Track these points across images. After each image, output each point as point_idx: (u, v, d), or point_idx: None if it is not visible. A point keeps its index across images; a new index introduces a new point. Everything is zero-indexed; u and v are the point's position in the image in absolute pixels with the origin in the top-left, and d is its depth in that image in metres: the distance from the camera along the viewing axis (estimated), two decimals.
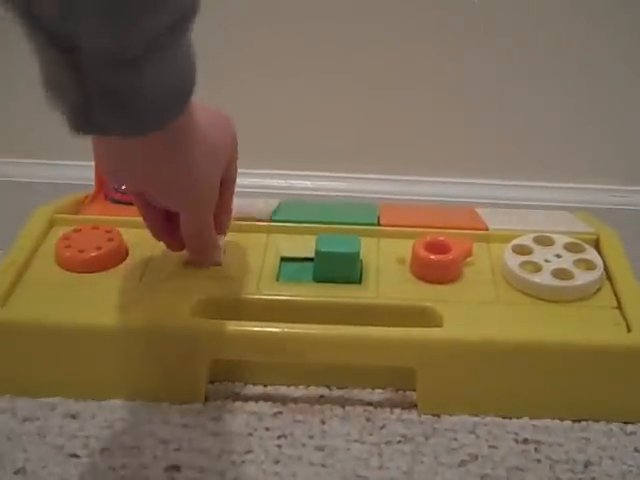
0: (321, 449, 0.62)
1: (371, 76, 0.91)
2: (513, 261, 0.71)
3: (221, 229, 0.71)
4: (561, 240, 0.74)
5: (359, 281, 0.72)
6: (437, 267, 0.71)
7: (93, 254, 0.72)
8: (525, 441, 0.63)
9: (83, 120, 0.53)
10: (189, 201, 0.64)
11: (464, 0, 0.89)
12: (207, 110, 0.63)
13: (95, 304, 0.68)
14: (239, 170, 0.69)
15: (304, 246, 0.74)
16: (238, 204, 0.73)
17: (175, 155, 0.59)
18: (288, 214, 0.81)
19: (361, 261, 0.73)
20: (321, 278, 0.71)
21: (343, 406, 0.66)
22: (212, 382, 0.68)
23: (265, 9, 0.91)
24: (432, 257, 0.71)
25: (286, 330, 0.66)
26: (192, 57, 0.54)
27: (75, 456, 0.61)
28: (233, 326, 0.66)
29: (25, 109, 1.00)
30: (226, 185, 0.68)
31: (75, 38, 0.47)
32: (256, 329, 0.66)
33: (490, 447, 0.62)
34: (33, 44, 0.51)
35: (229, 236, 0.74)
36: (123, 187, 0.80)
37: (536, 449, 0.62)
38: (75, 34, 0.47)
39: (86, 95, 0.51)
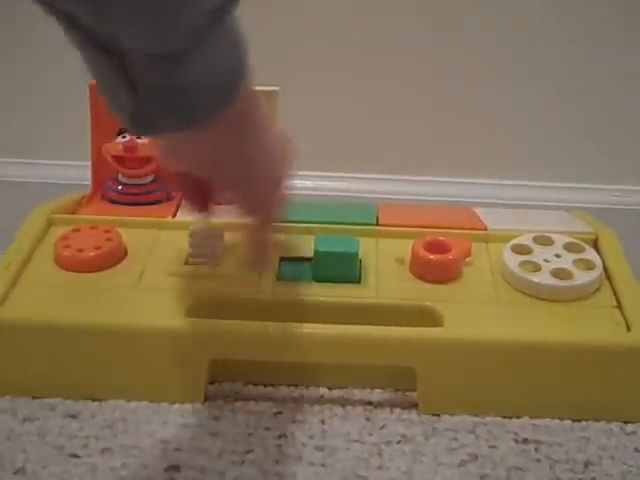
0: (321, 449, 0.62)
1: (371, 76, 0.91)
2: (513, 261, 0.71)
3: None
4: (560, 240, 0.74)
5: (358, 281, 0.72)
6: (436, 267, 0.71)
7: (92, 254, 0.72)
8: (525, 441, 0.63)
9: (138, 120, 0.53)
10: (255, 189, 0.62)
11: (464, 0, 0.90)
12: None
13: (94, 304, 0.68)
14: None
15: (303, 246, 0.74)
16: None
17: (235, 142, 0.58)
18: (288, 214, 0.81)
19: (360, 261, 0.73)
20: (320, 278, 0.71)
21: (343, 406, 0.66)
22: (212, 382, 0.68)
23: (262, 8, 0.91)
24: (431, 257, 0.71)
25: (286, 330, 0.66)
26: (240, 42, 0.53)
27: (75, 456, 0.61)
28: (232, 326, 0.66)
29: (23, 109, 1.00)
30: None
31: (118, 41, 0.47)
32: (255, 329, 0.66)
33: (490, 447, 0.62)
34: (80, 50, 0.50)
35: (229, 236, 0.74)
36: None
37: (536, 449, 0.62)
38: (117, 37, 0.47)
39: (137, 96, 0.50)
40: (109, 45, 0.47)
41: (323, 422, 0.65)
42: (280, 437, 0.63)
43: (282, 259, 0.74)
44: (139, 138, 0.82)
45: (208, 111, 0.53)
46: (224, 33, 0.51)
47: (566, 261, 0.72)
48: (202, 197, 0.67)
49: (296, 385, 0.69)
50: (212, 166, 0.60)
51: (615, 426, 0.65)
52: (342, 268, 0.71)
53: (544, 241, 0.74)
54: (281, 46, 0.93)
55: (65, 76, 0.97)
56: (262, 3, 0.91)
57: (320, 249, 0.71)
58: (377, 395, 0.68)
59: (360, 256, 0.72)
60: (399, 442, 0.63)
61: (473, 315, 0.67)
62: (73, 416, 0.65)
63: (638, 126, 0.95)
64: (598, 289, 0.71)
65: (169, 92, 0.51)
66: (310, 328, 0.66)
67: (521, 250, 0.73)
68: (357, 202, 0.89)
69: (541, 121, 0.96)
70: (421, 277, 0.72)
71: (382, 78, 0.93)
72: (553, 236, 0.75)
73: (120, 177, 0.84)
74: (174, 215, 0.82)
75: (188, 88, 0.51)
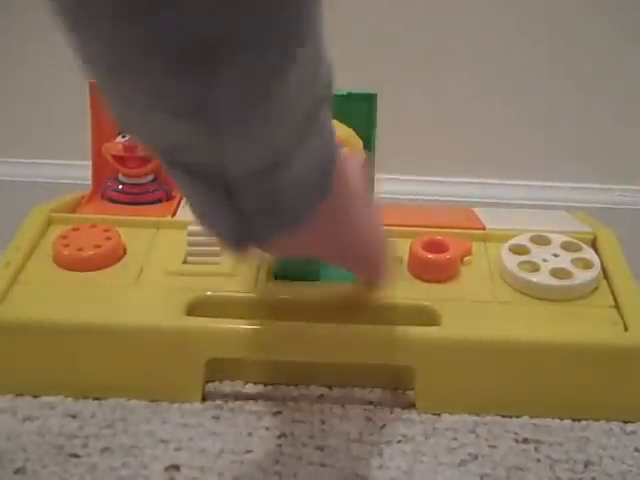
0: (321, 449, 0.62)
1: (371, 76, 0.91)
2: (511, 261, 0.71)
3: None
4: (558, 239, 0.74)
5: (321, 278, 0.71)
6: (435, 266, 0.72)
7: (91, 253, 0.72)
8: (525, 440, 0.63)
9: (238, 240, 0.52)
10: (359, 258, 0.62)
11: (464, 1, 0.90)
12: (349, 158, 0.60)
13: (93, 303, 0.68)
14: None
15: None
16: None
17: (335, 224, 0.57)
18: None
19: None
20: (282, 276, 0.71)
21: (343, 405, 0.66)
22: (212, 381, 0.68)
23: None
24: (430, 256, 0.71)
25: (284, 329, 0.66)
26: (330, 125, 0.52)
27: (75, 456, 0.61)
28: (230, 325, 0.66)
29: (23, 109, 1.00)
30: None
31: (221, 168, 0.46)
32: (254, 327, 0.66)
33: (490, 446, 0.62)
34: (177, 180, 0.50)
35: None
36: None
37: (536, 448, 0.62)
38: (222, 165, 0.46)
39: (238, 216, 0.50)
40: (209, 172, 0.47)
41: (323, 422, 0.65)
42: (280, 437, 0.63)
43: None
44: None
45: (309, 207, 0.52)
46: (319, 127, 0.50)
47: (564, 261, 0.72)
48: None
49: (296, 384, 0.69)
50: (312, 250, 0.59)
51: (615, 426, 0.65)
52: (303, 265, 0.71)
53: (541, 241, 0.74)
54: None
55: (65, 76, 0.97)
56: None
57: None
58: (377, 394, 0.68)
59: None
60: (399, 442, 0.63)
61: (471, 314, 0.67)
62: (73, 416, 0.65)
63: (638, 126, 0.95)
64: (596, 289, 0.71)
65: (270, 200, 0.50)
66: (309, 327, 0.66)
67: (519, 250, 0.73)
68: None
69: (541, 121, 0.96)
70: (419, 276, 0.72)
71: (382, 78, 0.93)
72: (550, 236, 0.75)
73: (120, 176, 0.84)
74: (173, 214, 0.82)
75: (288, 190, 0.50)
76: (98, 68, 0.43)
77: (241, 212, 0.50)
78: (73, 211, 0.81)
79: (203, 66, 0.39)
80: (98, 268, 0.72)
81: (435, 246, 0.72)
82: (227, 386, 0.68)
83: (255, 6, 0.39)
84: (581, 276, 0.70)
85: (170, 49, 0.39)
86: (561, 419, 0.65)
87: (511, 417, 0.65)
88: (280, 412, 0.66)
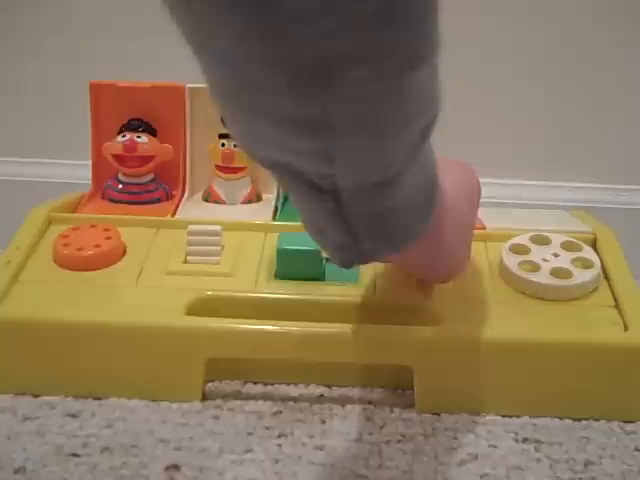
0: (321, 448, 0.62)
1: None
2: (511, 261, 0.71)
3: None
4: (558, 239, 0.74)
5: (322, 278, 0.72)
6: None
7: (91, 252, 0.72)
8: (525, 440, 0.63)
9: (351, 255, 0.53)
10: (441, 277, 0.66)
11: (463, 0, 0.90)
12: (450, 166, 0.61)
13: (93, 302, 0.68)
14: None
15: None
16: None
17: (435, 242, 0.58)
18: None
19: (324, 259, 0.73)
20: (283, 276, 0.71)
21: (343, 405, 0.66)
22: (212, 381, 0.68)
23: None
24: None
25: (284, 328, 0.66)
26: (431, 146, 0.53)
27: (75, 455, 0.61)
28: (230, 324, 0.66)
29: (23, 109, 1.00)
30: None
31: (335, 180, 0.47)
32: (254, 327, 0.66)
33: (490, 446, 0.62)
34: (291, 192, 0.51)
35: (228, 235, 0.74)
36: None
37: (536, 448, 0.62)
38: (336, 177, 0.46)
39: (350, 232, 0.51)
40: (323, 185, 0.47)
41: (323, 421, 0.65)
42: (280, 436, 0.63)
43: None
44: (139, 137, 0.82)
45: (420, 224, 0.53)
46: (429, 144, 0.50)
47: (564, 260, 0.72)
48: None
49: (295, 384, 0.69)
50: (409, 266, 0.62)
51: (615, 425, 0.65)
52: (305, 266, 0.71)
53: (541, 240, 0.74)
54: None
55: (66, 76, 0.97)
56: None
57: (283, 247, 0.71)
58: (377, 394, 0.68)
59: (323, 253, 0.72)
60: (399, 441, 0.63)
61: (471, 314, 0.67)
62: (73, 415, 0.64)
63: (638, 126, 0.95)
64: (596, 288, 0.71)
65: (383, 219, 0.51)
66: (308, 327, 0.66)
67: (519, 250, 0.73)
68: None
69: (541, 121, 0.96)
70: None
71: None
72: (550, 235, 0.75)
73: (120, 176, 0.84)
74: (173, 214, 0.82)
75: (399, 209, 0.51)
76: (222, 88, 0.44)
77: (353, 233, 0.51)
78: (73, 211, 0.81)
79: (322, 83, 0.40)
80: (98, 268, 0.72)
81: None
82: (227, 386, 0.68)
83: (381, 29, 0.39)
84: (581, 276, 0.70)
85: (293, 68, 0.39)
86: (561, 419, 0.65)
87: (511, 417, 0.65)
88: (280, 412, 0.66)
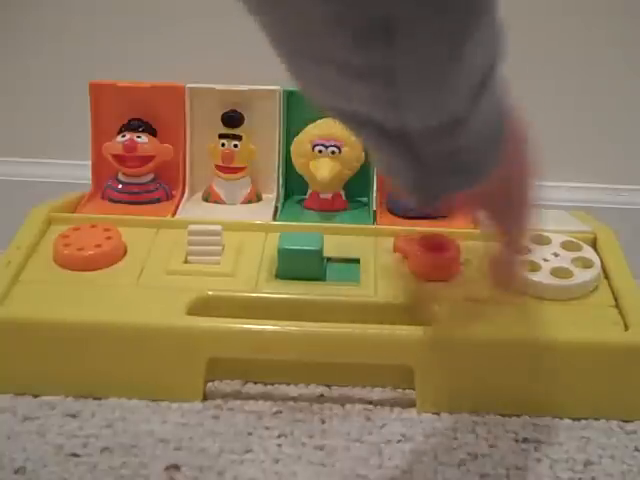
0: (321, 448, 0.62)
1: None
2: None
3: None
4: (558, 239, 0.74)
5: (322, 278, 0.72)
6: (435, 265, 0.72)
7: (92, 252, 0.72)
8: (525, 440, 0.63)
9: (427, 194, 0.55)
10: (516, 210, 0.63)
11: None
12: None
13: (93, 302, 0.68)
14: None
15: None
16: None
17: (505, 177, 0.58)
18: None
19: (327, 259, 0.73)
20: (284, 276, 0.72)
21: (343, 405, 0.66)
22: (212, 381, 0.68)
23: None
24: (430, 255, 0.71)
25: (285, 328, 0.66)
26: (500, 81, 0.53)
27: (75, 455, 0.61)
28: (231, 324, 0.66)
29: (23, 109, 1.00)
30: None
31: (405, 125, 0.48)
32: (254, 327, 0.66)
33: (490, 446, 0.62)
34: (364, 140, 0.53)
35: (228, 235, 0.74)
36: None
37: (536, 448, 0.62)
38: (401, 121, 0.48)
39: (424, 172, 0.52)
40: (391, 129, 0.49)
41: (323, 421, 0.65)
42: (280, 436, 0.63)
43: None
44: (139, 137, 0.82)
45: (490, 162, 0.54)
46: (494, 84, 0.51)
47: (564, 260, 0.72)
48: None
49: (296, 384, 0.69)
50: (482, 204, 0.62)
51: (615, 425, 0.65)
52: (306, 265, 0.71)
53: (541, 240, 0.74)
54: None
55: (65, 76, 0.97)
56: None
57: (284, 247, 0.71)
58: (377, 394, 0.68)
59: (324, 253, 0.73)
60: (399, 441, 0.63)
61: (471, 314, 0.67)
62: (73, 415, 0.65)
63: (638, 126, 0.95)
64: (596, 288, 0.71)
65: (453, 157, 0.52)
66: (309, 327, 0.66)
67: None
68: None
69: (541, 121, 0.95)
70: (419, 275, 0.72)
71: None
72: (550, 235, 0.75)
73: (120, 176, 0.84)
74: (173, 214, 0.82)
75: (469, 147, 0.52)
76: (290, 46, 0.46)
77: (426, 172, 0.52)
78: (73, 211, 0.81)
79: (387, 38, 0.41)
80: (99, 268, 0.72)
81: (435, 246, 0.72)
82: (227, 385, 0.68)
83: None
84: (581, 276, 0.70)
85: (356, 27, 0.41)
86: (561, 419, 0.65)
87: (511, 417, 0.65)
88: (280, 411, 0.66)
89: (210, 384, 0.68)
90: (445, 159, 0.52)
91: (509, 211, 0.62)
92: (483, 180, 0.55)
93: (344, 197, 0.85)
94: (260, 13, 0.45)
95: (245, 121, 0.84)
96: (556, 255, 0.72)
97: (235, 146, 0.83)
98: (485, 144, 0.53)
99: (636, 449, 0.63)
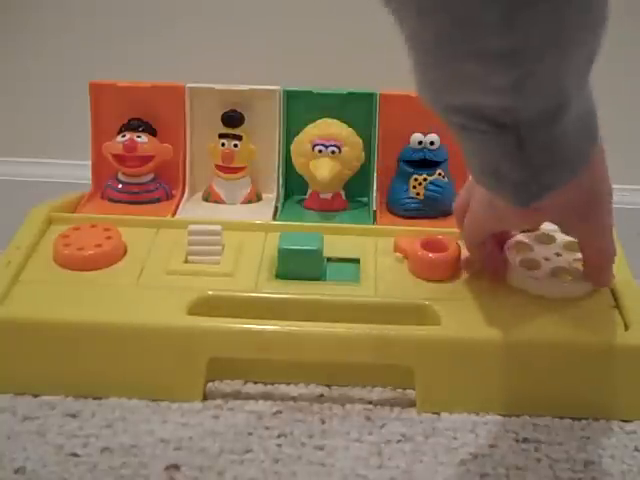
0: (321, 448, 0.62)
1: (373, 77, 0.91)
2: (512, 258, 0.71)
3: None
4: (561, 239, 0.74)
5: (322, 278, 0.72)
6: (435, 265, 0.72)
7: (92, 252, 0.72)
8: (525, 440, 0.63)
9: (528, 194, 0.56)
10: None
11: None
12: None
13: (93, 302, 0.68)
14: None
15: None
16: None
17: (591, 177, 0.60)
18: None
19: (327, 259, 0.73)
20: (284, 276, 0.72)
21: (343, 405, 0.66)
22: (212, 380, 0.68)
23: None
24: (430, 255, 0.71)
25: (285, 328, 0.66)
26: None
27: (75, 455, 0.61)
28: (231, 324, 0.66)
29: (23, 109, 1.00)
30: None
31: (516, 114, 0.50)
32: (254, 327, 0.66)
33: (490, 446, 0.62)
34: (467, 139, 0.54)
35: (228, 235, 0.74)
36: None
37: (536, 448, 0.62)
38: (517, 111, 0.50)
39: (529, 165, 0.53)
40: (506, 121, 0.51)
41: (323, 421, 0.65)
42: (280, 436, 0.63)
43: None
44: (139, 137, 0.82)
45: (589, 149, 0.56)
46: (590, 75, 0.52)
47: (565, 260, 0.72)
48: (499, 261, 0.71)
49: (296, 384, 0.69)
50: (567, 211, 0.62)
51: (615, 425, 0.65)
52: (305, 265, 0.71)
53: (545, 239, 0.74)
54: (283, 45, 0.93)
55: (65, 76, 0.97)
56: None
57: (283, 246, 0.71)
58: (377, 394, 0.68)
59: (324, 253, 0.73)
60: (399, 441, 0.63)
61: (471, 314, 0.67)
62: (73, 415, 0.65)
63: (638, 126, 0.95)
64: (596, 288, 0.71)
65: (554, 146, 0.53)
66: (309, 326, 0.66)
67: (521, 248, 0.73)
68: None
69: None
70: (420, 276, 0.72)
71: (383, 78, 0.93)
72: (554, 234, 0.75)
73: (120, 176, 0.84)
74: (173, 214, 0.82)
75: (568, 136, 0.53)
76: (426, 41, 0.48)
77: (532, 170, 0.54)
78: (73, 211, 0.82)
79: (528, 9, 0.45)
80: (99, 267, 0.72)
81: (435, 246, 0.72)
82: (227, 385, 0.68)
83: None
84: (582, 276, 0.70)
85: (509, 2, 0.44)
86: (561, 419, 0.65)
87: (511, 417, 0.65)
88: (280, 411, 0.66)
89: (210, 384, 0.68)
90: (548, 150, 0.53)
91: (587, 227, 0.64)
92: (575, 177, 0.56)
93: (344, 197, 0.85)
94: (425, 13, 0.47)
95: (245, 121, 0.84)
96: (558, 255, 0.72)
97: (235, 146, 0.83)
98: (580, 135, 0.54)
99: (636, 449, 0.63)
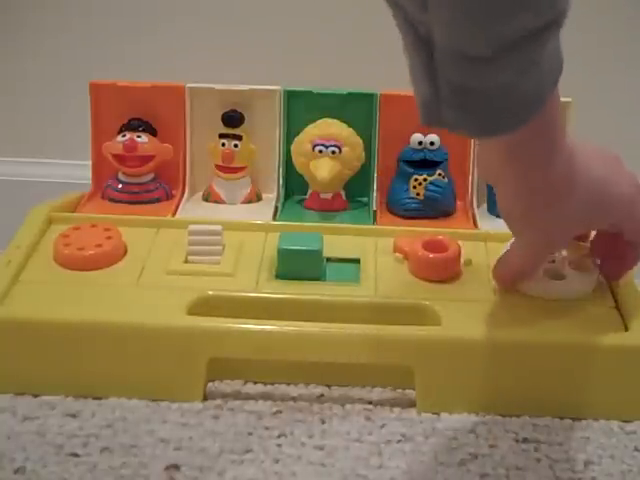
0: (321, 448, 0.62)
1: (373, 77, 0.91)
2: None
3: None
4: None
5: (322, 278, 0.72)
6: (435, 266, 0.72)
7: (92, 252, 0.72)
8: (525, 440, 0.63)
9: (431, 113, 0.54)
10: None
11: None
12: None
13: (94, 302, 0.68)
14: None
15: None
16: None
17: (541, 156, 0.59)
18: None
19: (327, 259, 0.73)
20: (284, 276, 0.72)
21: (343, 405, 0.66)
22: (212, 381, 0.68)
23: None
24: (430, 256, 0.71)
25: (285, 328, 0.66)
26: (555, 63, 0.53)
27: (75, 455, 0.61)
28: (231, 324, 0.66)
29: (23, 109, 1.00)
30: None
31: (430, 30, 0.49)
32: (255, 327, 0.66)
33: (490, 446, 0.62)
34: (402, 34, 0.53)
35: (228, 235, 0.74)
36: None
37: (536, 448, 0.62)
38: (430, 26, 0.49)
39: (435, 87, 0.52)
40: (421, 31, 0.49)
41: (323, 421, 0.65)
42: (279, 436, 0.63)
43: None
44: (139, 137, 0.83)
45: (504, 125, 0.54)
46: (538, 54, 0.51)
47: (564, 260, 0.72)
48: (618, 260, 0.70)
49: (296, 384, 0.69)
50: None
51: (615, 425, 0.65)
52: (305, 266, 0.72)
53: None
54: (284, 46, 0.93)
55: (65, 76, 0.97)
56: None
57: (283, 247, 0.71)
58: (377, 394, 0.68)
59: (324, 253, 0.73)
60: (399, 441, 0.63)
61: (471, 314, 0.67)
62: (73, 415, 0.64)
63: (638, 126, 0.95)
64: (596, 289, 0.71)
65: (466, 93, 0.52)
66: (309, 327, 0.66)
67: None
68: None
69: None
70: (420, 276, 0.72)
71: (383, 78, 0.93)
72: None
73: (120, 176, 0.84)
74: (173, 214, 0.82)
75: (485, 95, 0.52)
76: None
77: (437, 89, 0.52)
78: (73, 210, 0.82)
79: None
80: (99, 267, 0.72)
81: (435, 246, 0.72)
82: (227, 385, 0.68)
83: None
84: (581, 276, 0.70)
85: None
86: (561, 419, 0.65)
87: (511, 417, 0.65)
88: (280, 411, 0.66)
89: (210, 384, 0.68)
90: (457, 93, 0.52)
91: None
92: (486, 134, 0.56)
93: (344, 197, 0.85)
94: None
95: (245, 121, 0.85)
96: (557, 255, 0.72)
97: (235, 146, 0.83)
98: (506, 106, 0.53)
99: (636, 449, 0.63)
